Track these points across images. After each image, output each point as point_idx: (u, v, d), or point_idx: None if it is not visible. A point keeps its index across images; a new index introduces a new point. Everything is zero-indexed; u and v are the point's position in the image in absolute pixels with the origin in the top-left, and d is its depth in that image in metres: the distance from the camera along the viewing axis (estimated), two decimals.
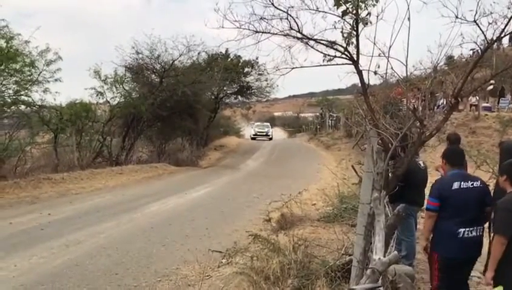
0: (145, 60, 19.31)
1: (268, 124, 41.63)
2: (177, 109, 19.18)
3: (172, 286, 5.14)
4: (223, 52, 22.89)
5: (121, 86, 18.30)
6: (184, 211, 9.71)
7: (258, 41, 4.94)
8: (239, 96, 28.00)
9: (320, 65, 4.96)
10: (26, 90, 12.83)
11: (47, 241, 7.01)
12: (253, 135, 36.93)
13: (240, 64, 25.00)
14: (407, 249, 5.18)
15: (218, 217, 9.11)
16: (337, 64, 4.94)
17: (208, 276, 5.27)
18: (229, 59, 24.10)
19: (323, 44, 4.87)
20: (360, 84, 4.85)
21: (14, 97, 12.68)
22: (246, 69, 25.77)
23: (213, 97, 25.25)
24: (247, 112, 36.11)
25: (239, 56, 24.07)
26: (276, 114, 59.84)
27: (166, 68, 19.04)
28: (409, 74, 4.53)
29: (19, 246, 6.76)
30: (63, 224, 8.28)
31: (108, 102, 18.12)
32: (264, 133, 36.86)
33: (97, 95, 17.56)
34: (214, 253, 6.28)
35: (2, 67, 11.97)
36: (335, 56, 4.88)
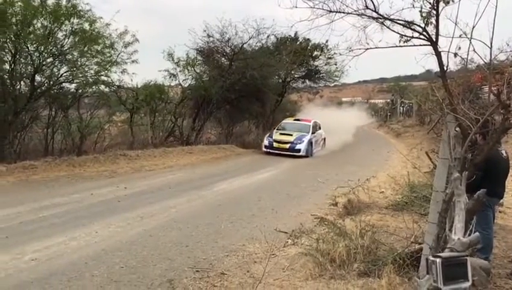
0: (215, 43, 19.67)
1: (311, 123, 19.13)
2: (245, 92, 19.41)
3: (240, 261, 5.30)
4: (292, 35, 22.69)
5: (192, 68, 18.88)
6: (250, 192, 9.91)
7: (332, 21, 4.86)
8: (306, 81, 27.64)
9: (396, 46, 4.78)
10: (106, 71, 13.48)
11: (123, 213, 7.50)
12: (267, 145, 17.90)
13: (308, 47, 24.63)
14: (483, 242, 4.91)
15: (284, 199, 9.19)
16: (414, 45, 4.74)
17: (273, 255, 5.36)
18: (298, 42, 23.84)
19: (400, 24, 4.68)
20: (438, 67, 4.63)
21: (95, 77, 13.43)
22: (315, 53, 25.31)
23: (280, 81, 25.18)
24: (314, 96, 33.96)
25: (308, 39, 23.71)
26: (344, 99, 58.54)
27: (236, 51, 19.28)
28: (493, 56, 4.24)
29: (99, 215, 7.30)
30: (138, 197, 8.81)
31: (180, 84, 18.82)
32: (288, 145, 17.48)
33: (170, 77, 18.30)
34: (279, 233, 6.39)
35: (85, 48, 12.73)
36: (412, 37, 4.68)
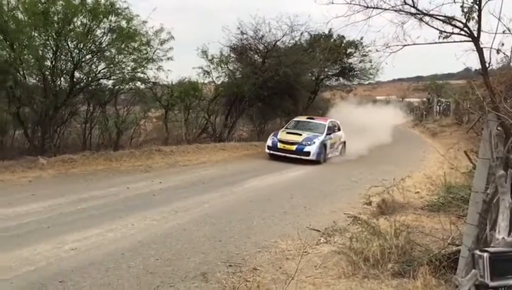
0: (249, 40, 19.69)
1: (327, 122, 16.22)
2: (277, 89, 19.33)
3: (272, 257, 5.32)
4: (326, 32, 22.41)
5: (225, 65, 18.98)
6: (282, 189, 9.92)
7: (369, 17, 4.82)
8: (340, 78, 27.27)
9: (435, 42, 4.68)
10: (142, 68, 13.71)
11: (158, 207, 7.66)
12: (271, 145, 15.05)
13: (343, 44, 24.28)
14: None
15: (316, 197, 9.15)
16: (454, 41, 4.62)
17: (306, 252, 5.36)
18: (332, 39, 23.54)
19: (439, 20, 4.58)
20: (479, 64, 4.50)
21: (131, 74, 13.71)
22: (349, 50, 24.92)
23: (313, 78, 24.96)
24: (347, 94, 33.14)
25: (342, 36, 23.33)
26: (378, 98, 57.37)
27: (269, 49, 19.22)
28: None
29: (135, 208, 7.49)
30: (172, 192, 8.99)
31: (214, 81, 18.98)
32: (295, 146, 14.53)
33: (204, 74, 18.45)
34: (312, 231, 6.38)
35: (123, 46, 13.01)
36: (452, 33, 4.57)
